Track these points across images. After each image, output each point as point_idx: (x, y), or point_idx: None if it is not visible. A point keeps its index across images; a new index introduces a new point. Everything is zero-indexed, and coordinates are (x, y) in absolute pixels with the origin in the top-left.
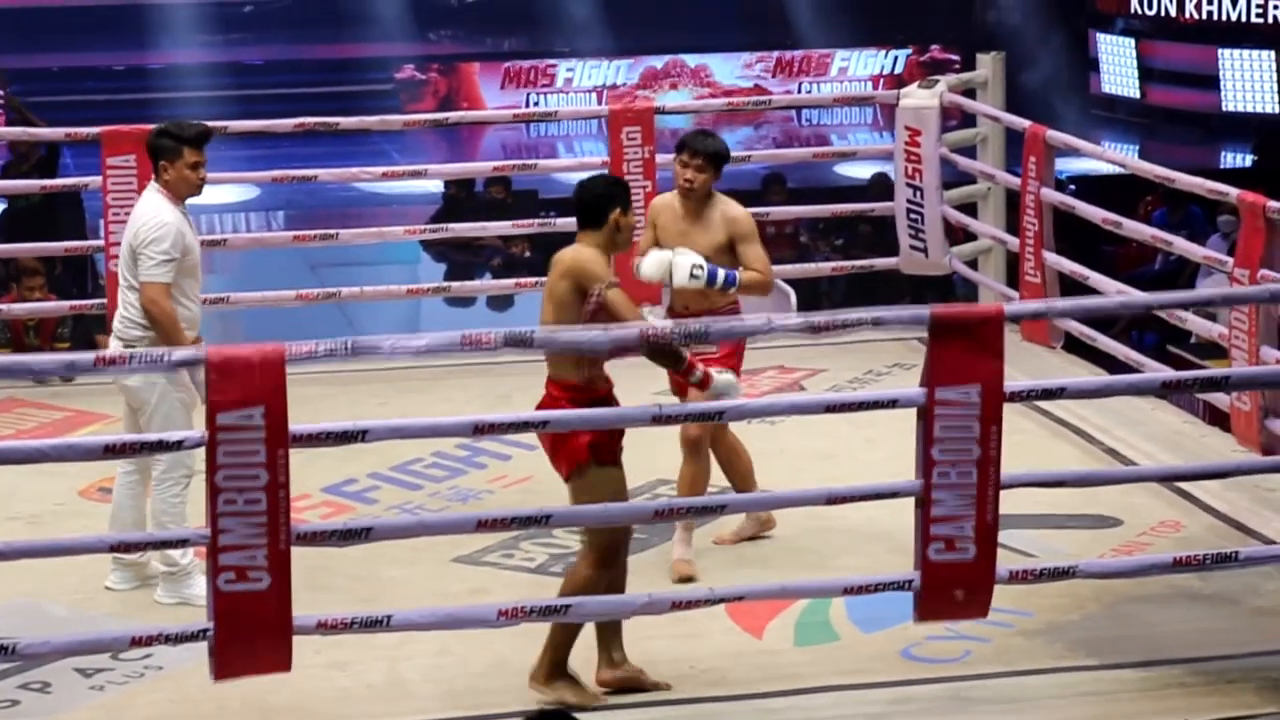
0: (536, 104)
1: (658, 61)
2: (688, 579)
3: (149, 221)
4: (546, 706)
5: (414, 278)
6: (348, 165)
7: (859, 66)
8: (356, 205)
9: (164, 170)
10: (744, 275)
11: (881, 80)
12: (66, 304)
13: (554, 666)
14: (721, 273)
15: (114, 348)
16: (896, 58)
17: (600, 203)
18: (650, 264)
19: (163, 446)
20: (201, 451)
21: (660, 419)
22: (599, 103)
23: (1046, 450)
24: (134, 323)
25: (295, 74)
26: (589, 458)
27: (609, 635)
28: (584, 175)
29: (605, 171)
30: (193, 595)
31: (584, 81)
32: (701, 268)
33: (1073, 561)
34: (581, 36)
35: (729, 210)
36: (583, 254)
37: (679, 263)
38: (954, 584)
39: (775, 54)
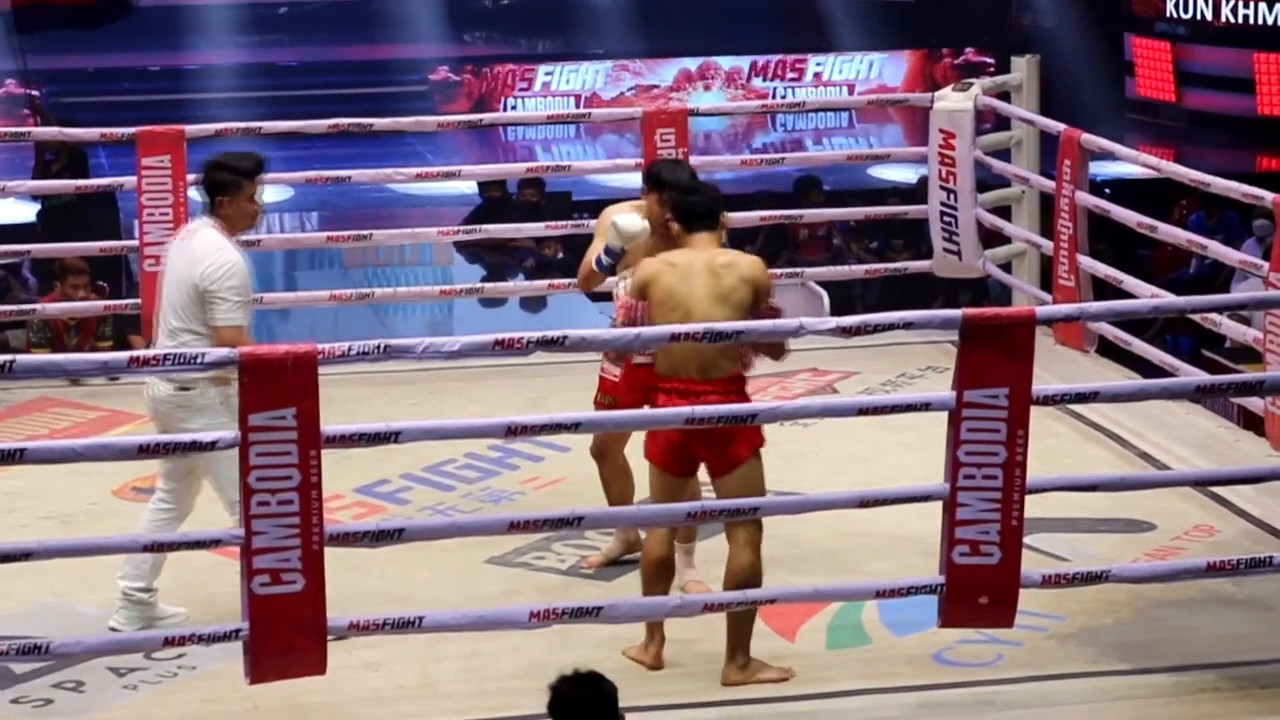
0: (514, 107)
1: (692, 64)
2: None
3: (218, 262)
4: (581, 670)
5: (447, 279)
6: (382, 166)
7: (834, 71)
8: (390, 206)
9: (222, 205)
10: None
11: (858, 85)
12: (101, 304)
13: (747, 654)
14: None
15: (165, 392)
16: (873, 63)
17: (718, 205)
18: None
19: (197, 447)
20: None
21: (694, 421)
22: (577, 106)
23: (1080, 454)
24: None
25: (329, 75)
26: (758, 447)
27: (744, 636)
28: (611, 175)
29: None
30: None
31: (562, 86)
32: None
33: (1106, 566)
34: (615, 38)
35: None
36: (758, 263)
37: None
38: (978, 588)
39: (749, 59)
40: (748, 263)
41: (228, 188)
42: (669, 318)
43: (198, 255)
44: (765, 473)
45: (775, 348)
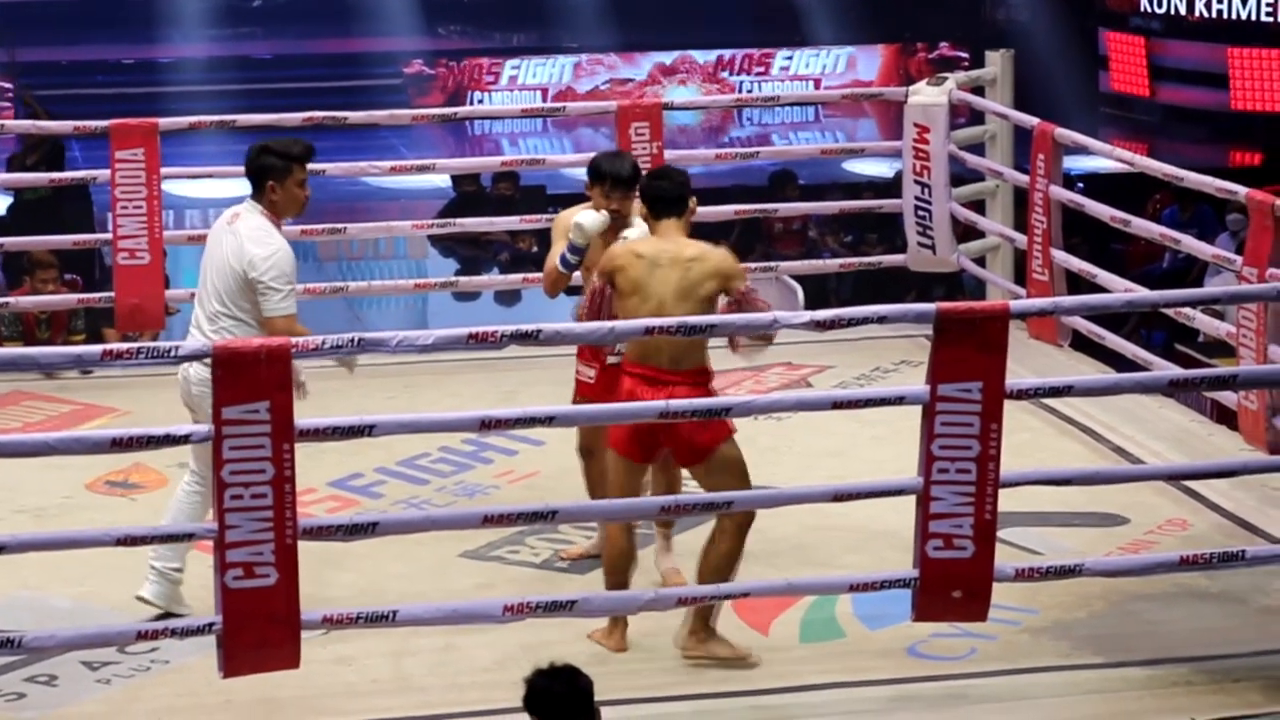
0: (481, 101)
1: (667, 58)
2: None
3: (268, 250)
4: (556, 664)
5: (421, 272)
6: (356, 160)
7: (800, 66)
8: (364, 199)
9: (271, 190)
10: None
11: (824, 80)
12: (74, 297)
13: (705, 626)
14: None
15: (200, 375)
16: (839, 57)
17: (685, 190)
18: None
19: (170, 440)
20: None
21: (666, 415)
22: (544, 100)
23: (1054, 448)
24: None
25: (304, 68)
26: (728, 434)
27: (707, 611)
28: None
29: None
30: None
31: (534, 79)
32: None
33: (1079, 559)
34: (590, 32)
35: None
36: (726, 255)
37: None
38: (952, 582)
39: (716, 53)
40: (717, 256)
41: (277, 173)
42: (638, 309)
43: (245, 243)
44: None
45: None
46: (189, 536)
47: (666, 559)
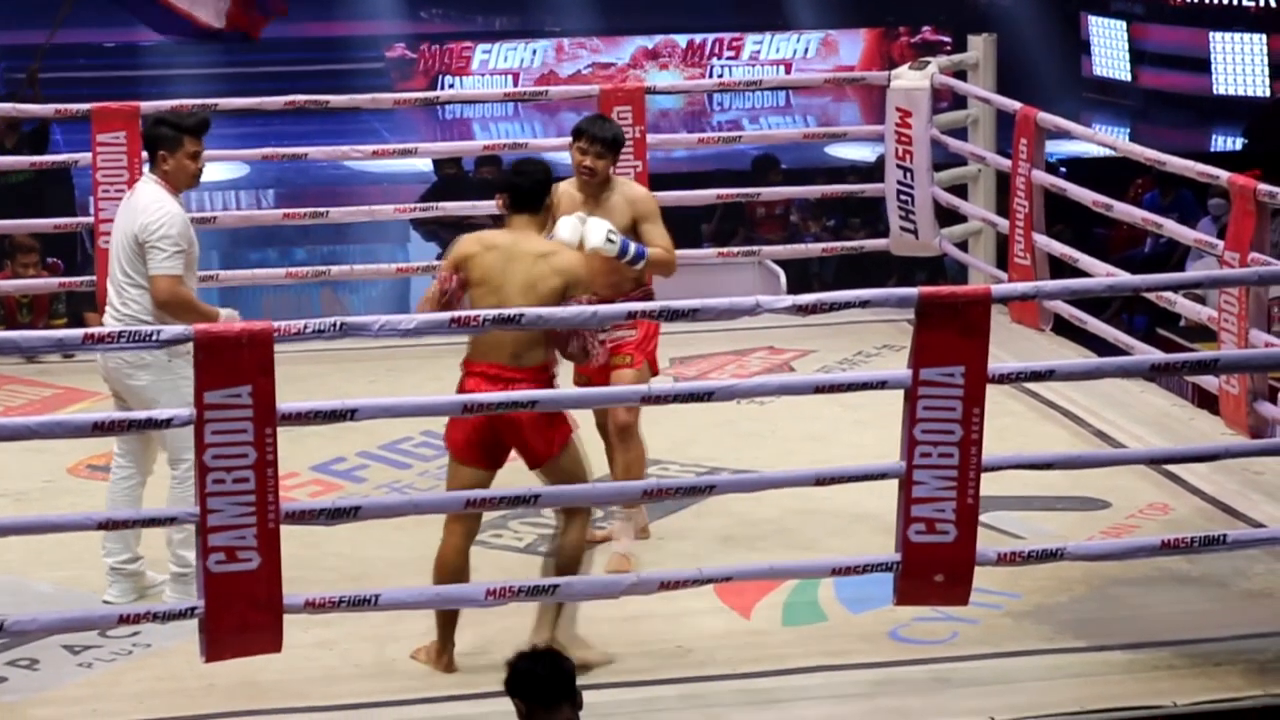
0: (452, 86)
1: (649, 42)
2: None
3: (156, 214)
4: (539, 646)
5: (404, 256)
6: (338, 143)
7: (770, 50)
8: (347, 183)
9: (162, 160)
10: (652, 252)
11: (795, 64)
12: (55, 281)
13: (552, 634)
14: (633, 245)
15: (114, 352)
16: (810, 41)
17: (543, 188)
18: (565, 227)
19: (151, 424)
20: None
21: (649, 399)
22: (514, 85)
23: (1035, 432)
24: (138, 320)
25: (286, 52)
26: (566, 440)
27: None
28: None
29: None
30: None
31: (516, 64)
32: (615, 234)
33: (1061, 543)
34: (572, 15)
35: (630, 191)
36: (576, 259)
37: (594, 225)
38: (934, 566)
39: (687, 37)
40: (566, 257)
41: (168, 143)
42: (484, 300)
43: (138, 209)
44: (710, 451)
45: (570, 349)
46: (171, 521)
47: (619, 544)
